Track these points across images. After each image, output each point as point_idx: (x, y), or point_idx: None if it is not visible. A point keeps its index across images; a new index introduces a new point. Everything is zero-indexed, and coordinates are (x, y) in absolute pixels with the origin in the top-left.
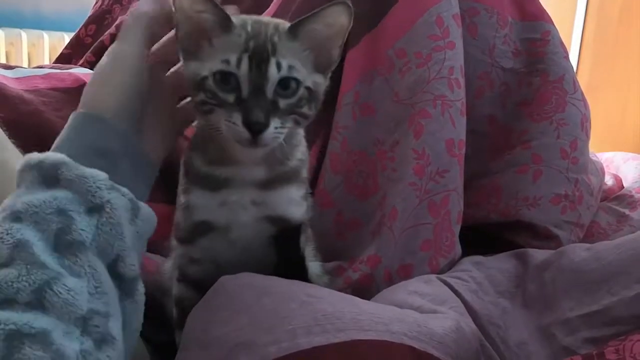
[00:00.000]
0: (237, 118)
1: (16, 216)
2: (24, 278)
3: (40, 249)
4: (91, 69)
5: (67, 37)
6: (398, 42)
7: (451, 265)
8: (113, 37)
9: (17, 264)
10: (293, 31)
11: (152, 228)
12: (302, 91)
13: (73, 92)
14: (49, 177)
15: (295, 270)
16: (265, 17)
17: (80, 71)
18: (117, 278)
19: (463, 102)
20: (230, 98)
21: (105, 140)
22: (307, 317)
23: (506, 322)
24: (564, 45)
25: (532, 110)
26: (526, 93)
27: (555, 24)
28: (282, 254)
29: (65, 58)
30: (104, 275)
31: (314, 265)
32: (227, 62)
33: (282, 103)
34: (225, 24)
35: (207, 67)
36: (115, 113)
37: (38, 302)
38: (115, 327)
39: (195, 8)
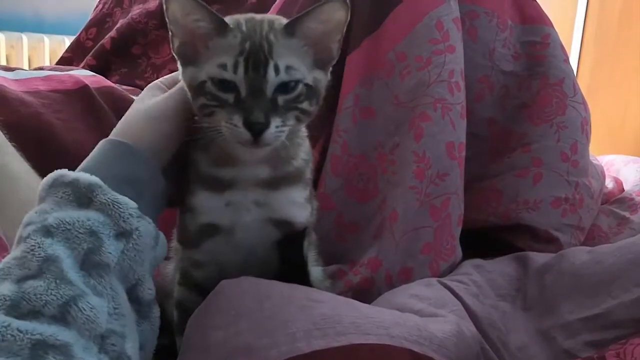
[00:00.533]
0: (238, 120)
1: (48, 230)
2: (53, 292)
3: (69, 266)
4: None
5: (67, 41)
6: (398, 46)
7: (452, 268)
8: (114, 41)
9: (46, 277)
10: (290, 29)
11: (165, 253)
12: (301, 87)
13: (73, 94)
14: (83, 197)
15: (297, 274)
16: (259, 15)
17: (80, 73)
18: (135, 302)
19: (463, 105)
20: (230, 99)
21: (137, 171)
22: (307, 321)
23: (507, 325)
24: (564, 49)
25: (532, 113)
26: (526, 96)
27: (555, 27)
28: (285, 258)
29: (66, 61)
30: (123, 298)
31: (315, 270)
32: (224, 66)
33: (281, 100)
34: (221, 27)
35: (205, 71)
36: (154, 152)
37: (62, 316)
38: (130, 348)
39: (190, 17)
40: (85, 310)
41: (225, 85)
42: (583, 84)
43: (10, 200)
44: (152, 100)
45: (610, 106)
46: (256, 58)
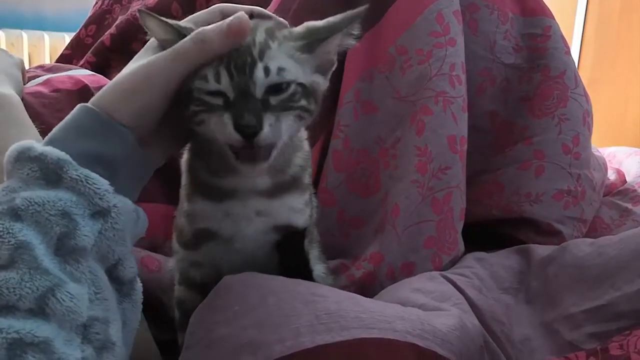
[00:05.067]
0: (227, 120)
1: (16, 213)
2: (27, 284)
3: (42, 253)
4: (92, 69)
5: (67, 38)
6: (399, 40)
7: (454, 262)
8: (113, 38)
9: (19, 268)
10: (309, 47)
11: (145, 229)
12: (294, 87)
13: (74, 94)
14: (51, 173)
15: (299, 273)
16: (250, 21)
17: (79, 73)
18: (116, 281)
19: (464, 98)
20: (219, 101)
21: (110, 148)
22: (311, 316)
23: (510, 318)
24: (565, 41)
25: (534, 106)
26: (527, 89)
27: (556, 19)
28: (286, 258)
29: (66, 59)
30: (103, 281)
31: (319, 267)
32: (205, 78)
33: (274, 100)
34: None
35: (192, 80)
36: (134, 123)
37: (40, 309)
38: (114, 332)
39: (163, 37)
40: (64, 300)
41: (212, 93)
42: (584, 76)
43: None
44: (132, 65)
45: (611, 98)
46: (240, 62)
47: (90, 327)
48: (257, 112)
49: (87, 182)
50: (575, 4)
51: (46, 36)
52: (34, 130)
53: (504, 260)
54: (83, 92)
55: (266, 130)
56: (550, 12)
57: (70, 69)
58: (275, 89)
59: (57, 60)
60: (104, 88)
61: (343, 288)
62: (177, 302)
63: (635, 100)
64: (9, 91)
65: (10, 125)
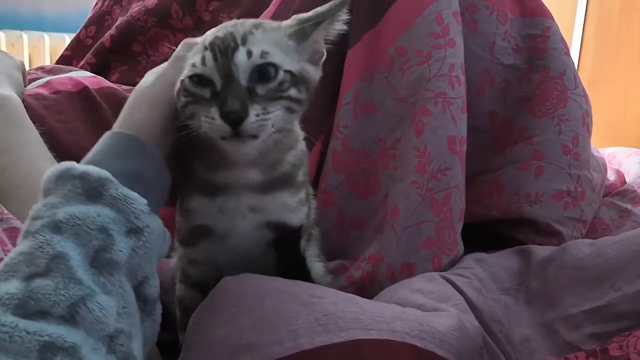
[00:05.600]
0: (215, 112)
1: (57, 226)
2: (61, 292)
3: (78, 264)
4: (92, 70)
5: (67, 39)
6: (398, 40)
7: (454, 262)
8: (113, 39)
9: (54, 276)
10: (300, 34)
11: (168, 249)
12: (282, 75)
13: (74, 96)
14: (93, 191)
15: (297, 273)
16: (239, 20)
17: (80, 74)
18: (141, 299)
19: (464, 99)
20: (206, 93)
21: (144, 166)
22: (309, 317)
23: (509, 319)
24: (565, 41)
25: (533, 107)
26: (527, 89)
27: (555, 19)
28: (283, 257)
29: (66, 60)
30: (131, 297)
31: (317, 266)
32: (194, 65)
33: (261, 89)
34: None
35: (183, 73)
36: (158, 142)
37: (70, 316)
38: (137, 348)
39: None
40: (94, 310)
41: (201, 81)
42: (584, 76)
43: None
44: (145, 83)
45: (611, 98)
46: (223, 45)
47: (116, 339)
48: (241, 98)
49: (126, 201)
50: (575, 4)
51: (46, 37)
52: (34, 131)
53: (503, 260)
54: (83, 94)
55: (252, 118)
56: (550, 12)
57: (71, 71)
58: (262, 76)
59: (57, 61)
60: (125, 108)
61: (342, 289)
62: (178, 300)
63: (635, 100)
64: (10, 93)
65: (10, 127)
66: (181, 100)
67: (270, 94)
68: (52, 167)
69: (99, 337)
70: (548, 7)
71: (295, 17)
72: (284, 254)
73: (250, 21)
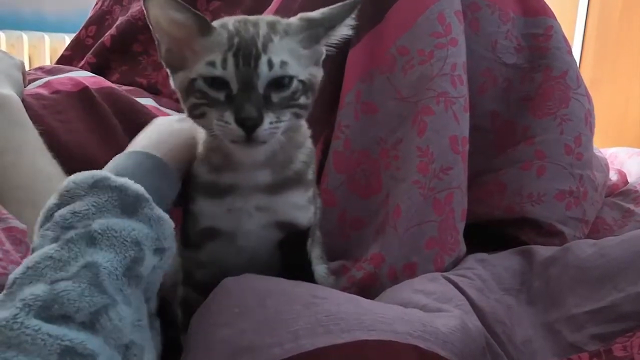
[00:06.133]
0: (229, 116)
1: (92, 237)
2: (86, 299)
3: (106, 272)
4: (92, 70)
5: (68, 39)
6: (400, 40)
7: (456, 262)
8: (114, 38)
9: (81, 282)
10: (311, 40)
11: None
12: (295, 84)
13: (73, 96)
14: (129, 205)
15: (301, 274)
16: (252, 17)
17: (80, 74)
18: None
19: (466, 98)
20: (221, 96)
21: (167, 188)
22: (310, 318)
23: (512, 319)
24: (567, 40)
25: (536, 106)
26: (529, 89)
27: (557, 18)
28: (288, 258)
29: (66, 60)
30: (145, 311)
31: (319, 267)
32: (212, 64)
33: (276, 97)
34: (204, 27)
35: (194, 71)
36: (178, 172)
37: (91, 323)
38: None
39: (172, 20)
40: (114, 319)
41: (215, 82)
42: (586, 76)
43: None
44: (178, 125)
45: (613, 98)
46: (247, 52)
47: (130, 349)
48: (259, 105)
49: (159, 222)
50: (577, 4)
51: (46, 37)
52: (34, 131)
53: (505, 261)
54: (83, 94)
55: (266, 126)
56: (552, 12)
57: (71, 71)
58: (277, 84)
59: (58, 61)
60: (152, 136)
61: (344, 289)
62: (180, 302)
63: (637, 100)
64: (10, 92)
65: (10, 126)
66: (191, 100)
67: (284, 102)
68: (81, 173)
69: (116, 345)
70: (550, 6)
71: (303, 17)
72: (290, 255)
73: (265, 21)
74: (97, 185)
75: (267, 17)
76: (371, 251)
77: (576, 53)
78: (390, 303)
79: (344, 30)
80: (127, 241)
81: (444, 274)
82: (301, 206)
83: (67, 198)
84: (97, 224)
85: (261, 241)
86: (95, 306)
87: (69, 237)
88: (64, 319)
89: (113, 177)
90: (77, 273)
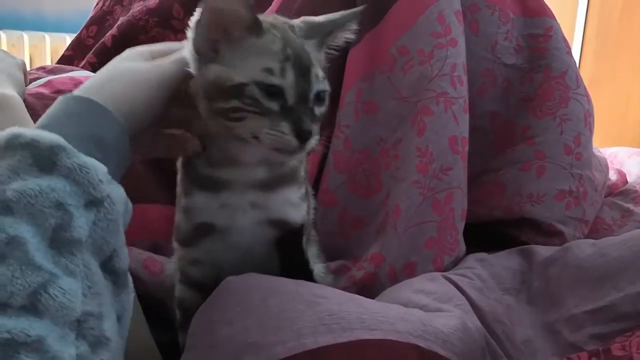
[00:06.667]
0: (285, 127)
1: (7, 206)
2: (18, 281)
3: (35, 247)
4: (93, 70)
5: (68, 39)
6: (400, 40)
7: (455, 262)
8: (115, 38)
9: (9, 264)
10: (322, 42)
11: (130, 219)
12: (327, 98)
13: None
14: (45, 160)
15: (300, 272)
16: (279, 17)
17: (81, 74)
18: (112, 273)
19: (465, 99)
20: (275, 106)
21: (103, 130)
22: (312, 317)
23: (511, 319)
24: (567, 41)
25: (535, 106)
26: (529, 89)
27: (557, 18)
28: (286, 257)
29: (67, 60)
30: (97, 275)
31: (317, 267)
32: (270, 71)
33: (317, 111)
34: (256, 27)
35: (244, 73)
36: (124, 117)
37: (32, 305)
38: (109, 327)
39: (231, 12)
40: (57, 296)
41: (271, 91)
42: (585, 76)
43: None
44: (133, 64)
45: (612, 98)
46: (302, 65)
47: (84, 323)
48: (312, 118)
49: (81, 171)
50: (576, 4)
51: (47, 37)
52: None
53: (505, 261)
54: None
55: (314, 138)
56: (552, 12)
57: (72, 71)
58: (319, 98)
59: (58, 61)
60: (92, 80)
61: (344, 289)
62: (177, 301)
63: (637, 100)
64: (11, 92)
65: (11, 126)
66: (233, 103)
67: (320, 116)
68: None
69: (65, 323)
70: (549, 7)
71: (306, 21)
72: (287, 254)
73: (287, 25)
74: (10, 145)
75: (283, 18)
76: (371, 251)
77: (576, 53)
78: (391, 303)
79: (347, 34)
80: (45, 207)
81: (444, 273)
82: (294, 203)
83: None
84: (11, 190)
85: (255, 238)
86: (32, 286)
87: None
88: (0, 307)
89: (23, 132)
90: (2, 254)
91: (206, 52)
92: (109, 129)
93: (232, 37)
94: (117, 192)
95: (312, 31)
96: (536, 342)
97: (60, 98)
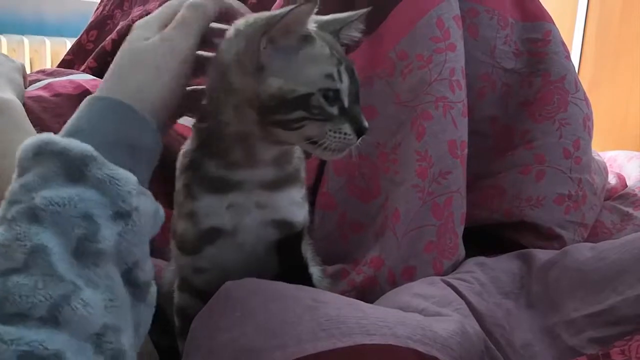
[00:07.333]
0: (347, 127)
1: (34, 214)
2: (40, 292)
3: (58, 257)
4: (93, 74)
5: (69, 43)
6: (399, 44)
7: (455, 266)
8: (115, 43)
9: (32, 274)
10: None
11: (160, 227)
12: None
13: (74, 99)
14: (75, 170)
15: (299, 276)
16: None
17: (81, 77)
18: (132, 285)
19: (464, 103)
20: (335, 110)
21: (136, 137)
22: (312, 322)
23: (511, 323)
24: (565, 45)
25: (534, 111)
26: (528, 93)
27: (556, 22)
28: (285, 260)
29: (67, 64)
30: (118, 287)
31: (314, 270)
32: (331, 77)
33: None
34: (310, 37)
35: (309, 83)
36: (153, 108)
37: (52, 317)
38: (126, 341)
39: (303, 24)
40: (78, 308)
41: (330, 95)
42: (585, 80)
43: None
44: (145, 45)
45: (612, 102)
46: (348, 65)
47: (103, 336)
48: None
49: (111, 183)
50: (576, 7)
51: (47, 41)
52: (35, 135)
53: (504, 265)
54: (84, 97)
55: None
56: (550, 16)
57: (72, 74)
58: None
59: (59, 66)
60: (114, 72)
61: (344, 293)
62: (177, 309)
63: (636, 103)
64: (10, 96)
65: (11, 130)
66: (298, 113)
67: None
68: (28, 140)
69: (85, 336)
70: (548, 10)
71: (316, 20)
72: (286, 257)
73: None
74: (41, 152)
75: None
76: (371, 255)
77: (575, 56)
78: (390, 307)
79: (354, 33)
80: (72, 216)
81: (443, 277)
82: (298, 203)
83: (19, 170)
84: (39, 198)
85: (258, 240)
86: (53, 298)
87: (10, 216)
88: (20, 317)
89: (56, 140)
90: (26, 262)
91: (253, 64)
92: (137, 130)
93: (283, 46)
94: (146, 203)
95: (322, 29)
96: (535, 346)
97: (87, 99)
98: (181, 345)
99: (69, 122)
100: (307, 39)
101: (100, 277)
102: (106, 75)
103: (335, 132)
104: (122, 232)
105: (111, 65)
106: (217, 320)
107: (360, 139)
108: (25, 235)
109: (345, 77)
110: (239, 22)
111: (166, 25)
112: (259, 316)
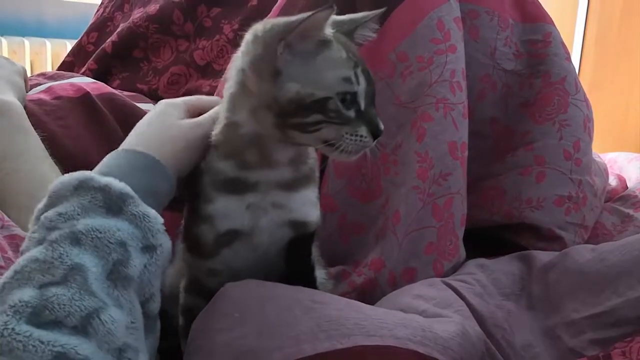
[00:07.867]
0: (364, 130)
1: (76, 238)
2: (77, 303)
3: (94, 276)
4: (93, 76)
5: (69, 45)
6: (400, 46)
7: (455, 268)
8: (115, 45)
9: (70, 287)
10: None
11: (169, 264)
12: None
13: (75, 102)
14: (114, 205)
15: (305, 278)
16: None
17: (81, 80)
18: (145, 316)
19: (465, 104)
20: (352, 113)
21: (160, 185)
22: (311, 323)
23: (511, 324)
24: (566, 47)
25: (535, 112)
26: (528, 95)
27: (556, 23)
28: (294, 261)
29: (68, 66)
30: (138, 312)
31: (318, 272)
32: (349, 80)
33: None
34: (328, 42)
35: (326, 87)
36: (175, 167)
37: (83, 327)
38: None
39: (322, 29)
40: (106, 322)
41: (347, 99)
42: (585, 81)
43: None
44: (179, 123)
45: (612, 103)
46: (364, 68)
47: (124, 352)
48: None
49: (144, 219)
50: (576, 9)
51: (48, 43)
52: (36, 137)
53: (505, 266)
54: (84, 100)
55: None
56: (551, 18)
57: (72, 77)
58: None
59: (59, 68)
60: (144, 134)
61: (344, 294)
62: (183, 309)
63: (636, 105)
64: (12, 99)
65: (12, 133)
66: (314, 117)
67: None
68: (67, 175)
69: (109, 349)
70: (549, 11)
71: (332, 20)
72: (295, 259)
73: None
74: (82, 186)
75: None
76: (371, 256)
77: (576, 58)
78: (390, 308)
79: (367, 32)
80: (110, 242)
81: (444, 279)
82: (313, 203)
83: (53, 200)
84: (81, 225)
85: (273, 240)
86: (87, 310)
87: (53, 238)
88: (55, 324)
89: (97, 177)
90: (65, 276)
91: (270, 69)
92: (163, 182)
93: (300, 51)
94: (167, 243)
95: (337, 29)
96: (536, 348)
97: (122, 150)
98: (184, 344)
99: (100, 164)
100: (325, 43)
101: (126, 300)
102: (137, 131)
103: (352, 135)
104: (147, 264)
105: (143, 126)
106: (216, 321)
107: (376, 140)
108: (67, 255)
109: (362, 80)
110: (257, 28)
111: (189, 110)
112: (257, 317)
